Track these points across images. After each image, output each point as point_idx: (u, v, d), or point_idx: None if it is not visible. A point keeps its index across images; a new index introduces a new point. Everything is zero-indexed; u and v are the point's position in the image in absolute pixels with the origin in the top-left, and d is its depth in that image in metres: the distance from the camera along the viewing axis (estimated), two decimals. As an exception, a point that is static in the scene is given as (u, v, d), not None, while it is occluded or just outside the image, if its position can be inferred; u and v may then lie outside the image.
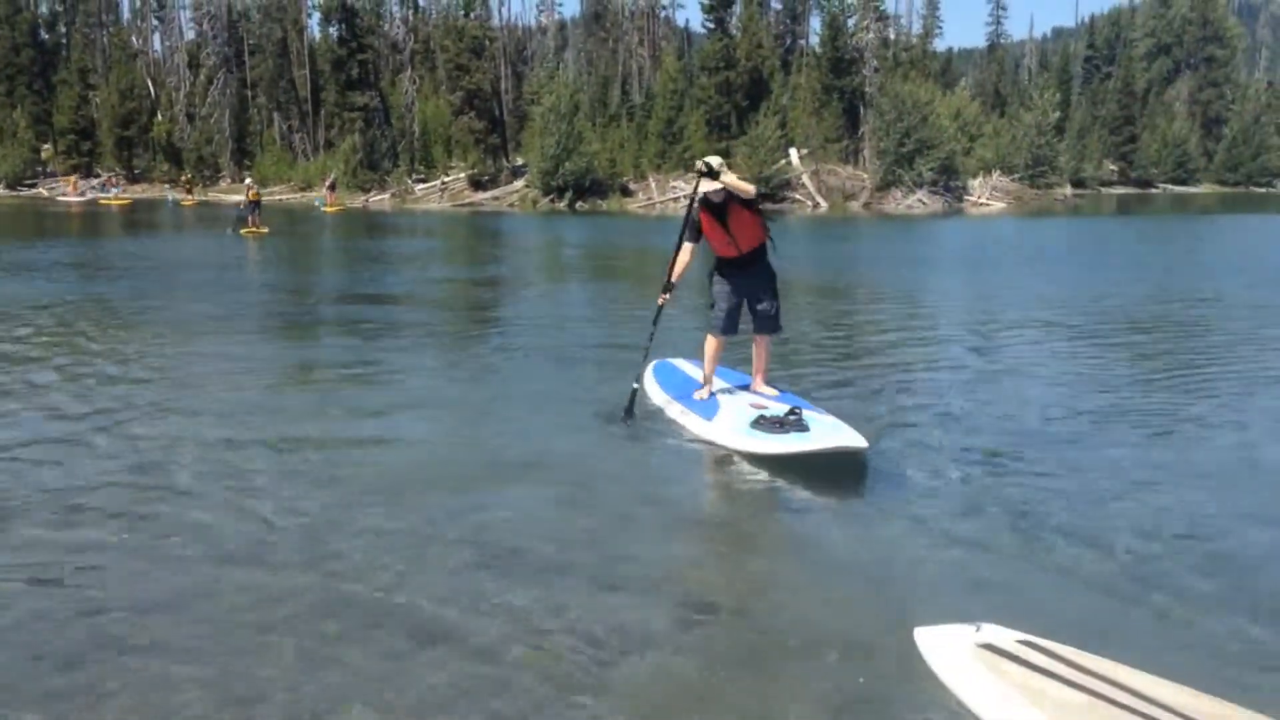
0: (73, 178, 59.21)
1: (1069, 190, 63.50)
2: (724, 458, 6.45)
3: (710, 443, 6.63)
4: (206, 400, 7.97)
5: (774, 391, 7.27)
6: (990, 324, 13.06)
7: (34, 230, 31.88)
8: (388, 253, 24.42)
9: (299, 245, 27.90)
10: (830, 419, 6.50)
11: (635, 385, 7.34)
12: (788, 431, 6.19)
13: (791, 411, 6.39)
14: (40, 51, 69.41)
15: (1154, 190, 77.16)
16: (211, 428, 7.05)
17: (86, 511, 5.35)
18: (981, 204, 54.61)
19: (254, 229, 27.89)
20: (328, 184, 51.49)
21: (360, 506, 5.47)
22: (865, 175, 55.77)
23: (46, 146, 67.19)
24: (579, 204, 52.24)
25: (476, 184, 57.48)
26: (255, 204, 28.87)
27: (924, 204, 52.33)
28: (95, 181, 60.93)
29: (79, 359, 9.73)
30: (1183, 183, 79.13)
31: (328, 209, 46.46)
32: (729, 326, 7.14)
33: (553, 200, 52.55)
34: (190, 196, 53.01)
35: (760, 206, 7.02)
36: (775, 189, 53.73)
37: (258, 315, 13.57)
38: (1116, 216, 48.89)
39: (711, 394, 7.20)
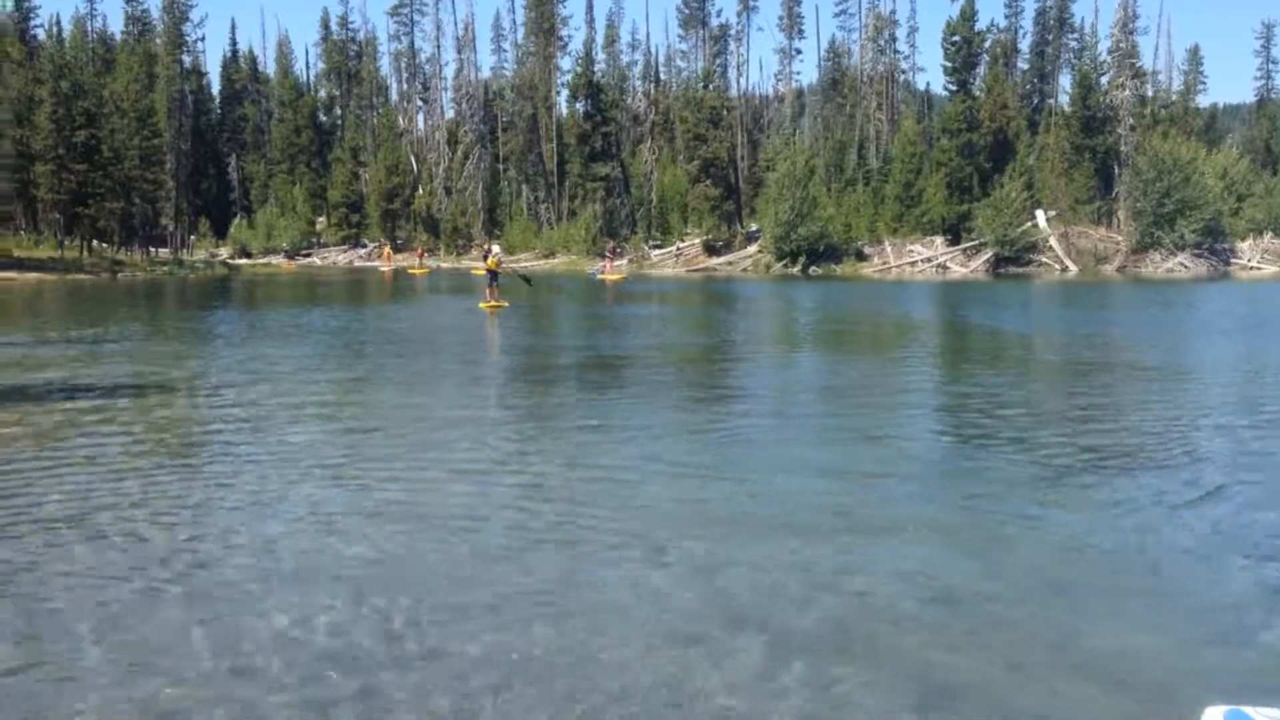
0: (386, 249, 63.26)
1: (1354, 252, 57.82)
2: None
3: None
4: (451, 455, 8.29)
5: None
6: None
7: (302, 296, 34.40)
8: (630, 317, 24.60)
9: (541, 314, 26.80)
10: None
11: None
12: None
13: None
14: (318, 132, 76.54)
15: None
16: (451, 483, 7.32)
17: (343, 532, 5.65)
18: (1252, 268, 50.56)
19: (493, 303, 25.48)
20: (611, 250, 50.22)
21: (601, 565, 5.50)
22: (1119, 237, 52.94)
23: (320, 219, 73.45)
24: (812, 268, 52.03)
25: (710, 249, 58.38)
26: (493, 274, 26.35)
27: (1186, 267, 49.04)
28: (362, 251, 65.24)
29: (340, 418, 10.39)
30: None
31: (607, 277, 43.71)
32: None
33: (786, 265, 52.58)
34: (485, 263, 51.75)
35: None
36: (1020, 252, 51.85)
37: (497, 376, 14.17)
38: None
39: None
